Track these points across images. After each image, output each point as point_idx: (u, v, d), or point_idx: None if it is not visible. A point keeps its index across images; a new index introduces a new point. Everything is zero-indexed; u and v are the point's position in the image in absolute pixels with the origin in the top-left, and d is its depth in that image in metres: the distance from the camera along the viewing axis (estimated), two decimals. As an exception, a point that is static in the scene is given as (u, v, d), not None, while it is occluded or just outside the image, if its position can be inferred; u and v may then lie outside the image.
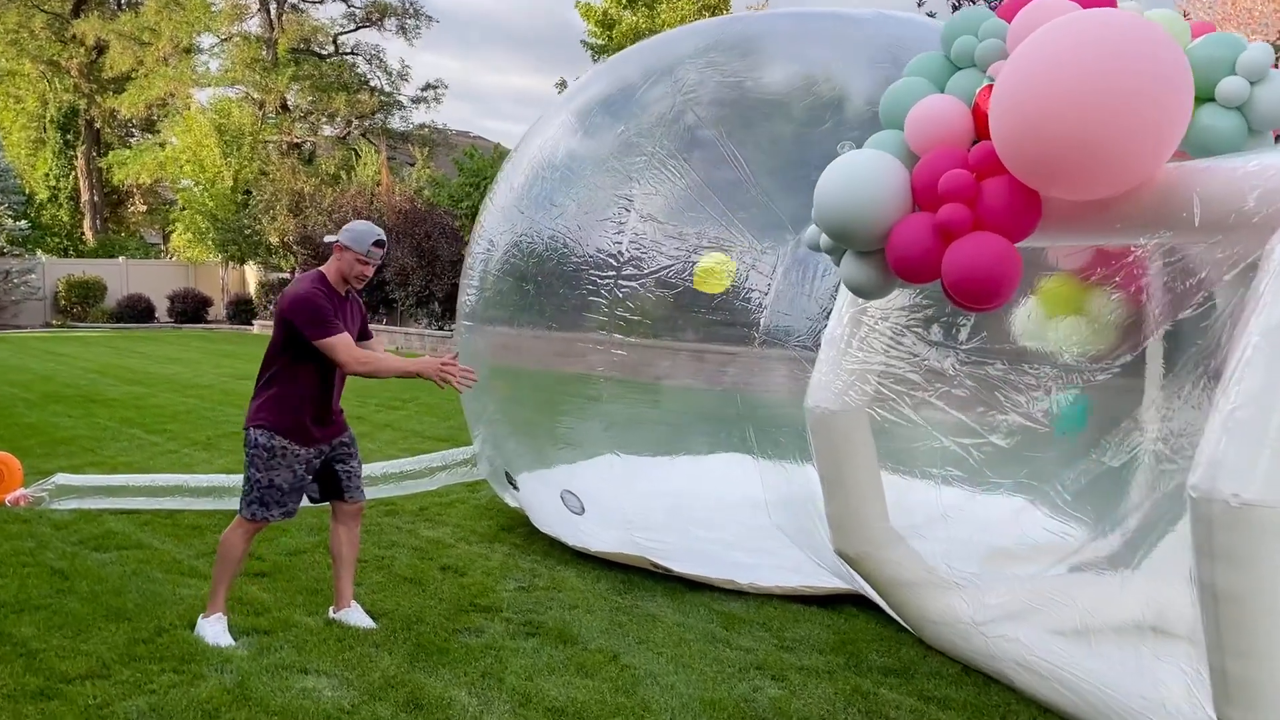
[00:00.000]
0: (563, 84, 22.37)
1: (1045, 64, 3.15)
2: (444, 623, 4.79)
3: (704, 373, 5.96)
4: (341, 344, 4.30)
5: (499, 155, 22.12)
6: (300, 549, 5.95)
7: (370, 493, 6.86)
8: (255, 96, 35.01)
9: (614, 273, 5.20)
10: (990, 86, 3.66)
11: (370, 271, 4.45)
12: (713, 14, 21.83)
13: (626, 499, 6.14)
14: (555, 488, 5.96)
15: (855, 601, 5.18)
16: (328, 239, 4.47)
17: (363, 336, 4.65)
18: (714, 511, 6.53)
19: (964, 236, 3.43)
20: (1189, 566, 2.83)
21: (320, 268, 4.51)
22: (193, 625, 4.57)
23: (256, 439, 4.39)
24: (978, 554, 4.17)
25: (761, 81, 5.52)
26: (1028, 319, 4.56)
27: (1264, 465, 2.56)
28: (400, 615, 4.87)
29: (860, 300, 4.21)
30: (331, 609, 4.79)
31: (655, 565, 5.47)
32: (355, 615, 4.72)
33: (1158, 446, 3.38)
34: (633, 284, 5.18)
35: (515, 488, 6.12)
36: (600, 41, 21.84)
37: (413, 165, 32.53)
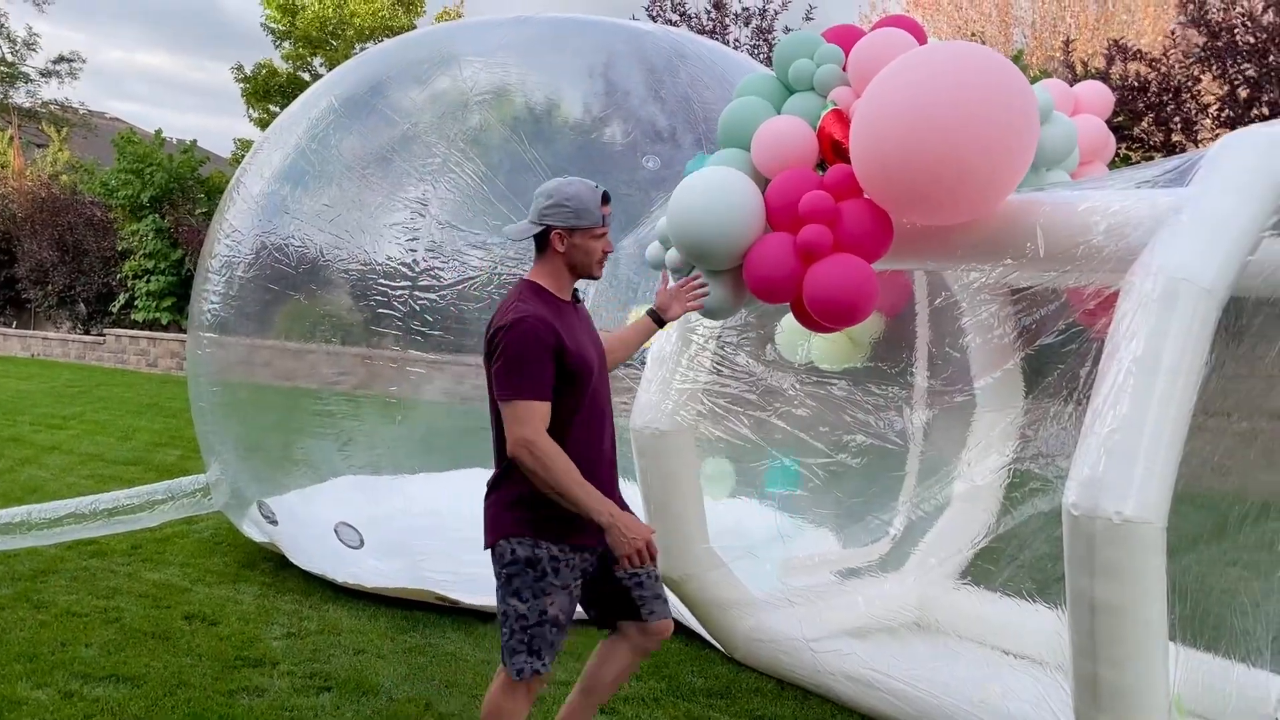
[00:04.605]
0: (239, 68, 20.62)
1: (913, 92, 3.22)
2: (212, 684, 4.13)
3: (451, 388, 5.63)
4: (529, 416, 2.74)
5: (160, 142, 19.91)
6: (-5, 606, 4.92)
7: (70, 533, 5.87)
8: None
9: (408, 284, 4.75)
10: (837, 111, 3.72)
11: (611, 245, 3.05)
12: (406, 10, 21.06)
13: (387, 525, 5.69)
14: (317, 519, 5.38)
15: (653, 622, 5.10)
16: (515, 233, 2.98)
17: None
18: (473, 530, 6.20)
19: (825, 258, 3.44)
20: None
21: (529, 276, 2.99)
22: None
23: (514, 553, 2.86)
24: (812, 571, 4.24)
25: (547, 87, 5.30)
26: (781, 331, 4.73)
27: (1139, 484, 2.75)
28: (155, 679, 4.13)
29: (691, 318, 4.13)
30: None
31: (441, 598, 5.07)
32: None
33: (1025, 466, 3.60)
34: (431, 296, 4.77)
35: (271, 521, 5.44)
36: (283, 27, 20.36)
37: (43, 147, 28.66)
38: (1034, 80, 5.98)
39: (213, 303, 5.31)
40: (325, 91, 5.51)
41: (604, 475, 2.97)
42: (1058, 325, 3.26)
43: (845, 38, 3.94)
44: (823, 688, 4.18)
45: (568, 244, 2.92)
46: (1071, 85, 4.89)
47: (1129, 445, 2.77)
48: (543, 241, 2.95)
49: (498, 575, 2.93)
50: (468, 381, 6.13)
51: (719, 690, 4.32)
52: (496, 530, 2.92)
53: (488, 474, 7.17)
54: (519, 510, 2.87)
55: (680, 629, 4.98)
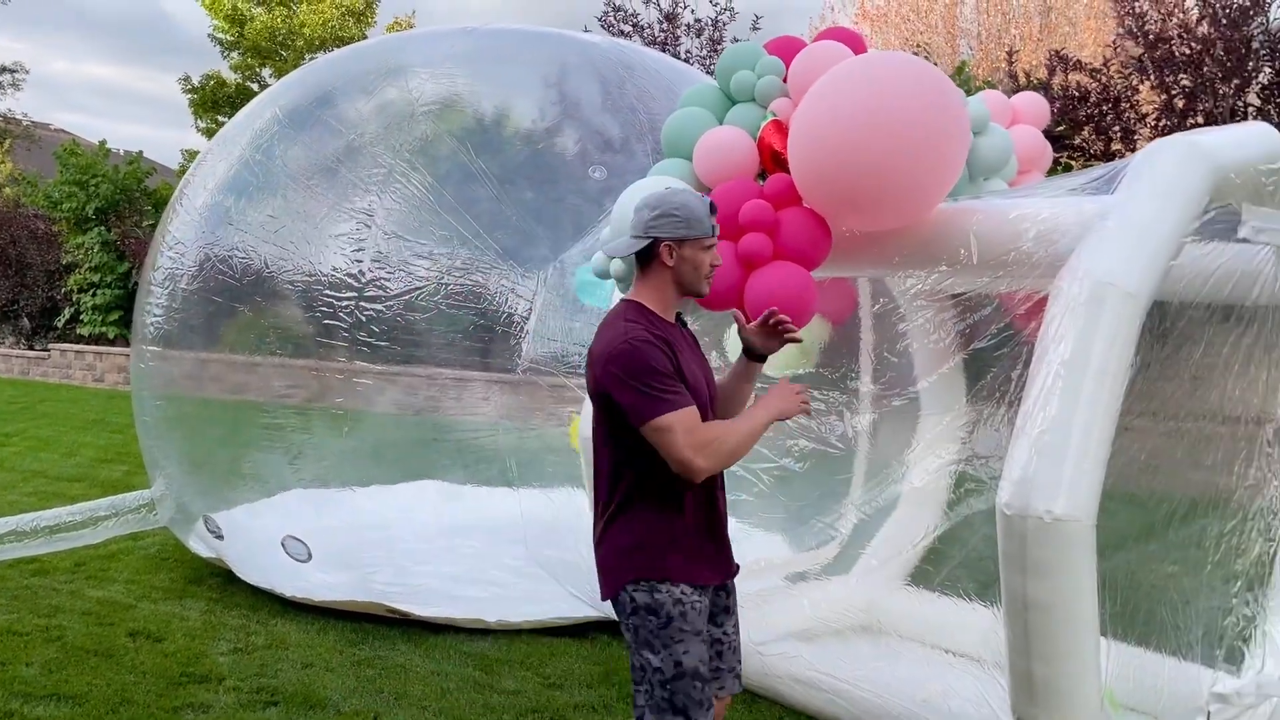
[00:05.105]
0: (186, 79, 20.38)
1: (849, 101, 3.30)
2: (156, 701, 4.08)
3: (432, 400, 5.63)
4: (681, 424, 2.49)
5: (104, 153, 19.57)
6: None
7: (11, 551, 5.77)
8: None
9: (355, 294, 4.74)
10: (777, 122, 3.78)
11: (719, 258, 2.79)
12: (356, 20, 20.97)
13: (336, 538, 5.66)
14: (264, 533, 5.33)
15: (604, 629, 5.11)
16: (617, 250, 2.77)
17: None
18: (425, 543, 6.21)
19: (766, 265, 3.50)
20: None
21: (630, 295, 2.74)
22: None
23: (634, 601, 2.60)
24: (760, 575, 4.28)
25: (494, 98, 5.33)
26: (730, 338, 4.79)
27: (1068, 483, 2.83)
28: (97, 697, 4.08)
29: (637, 326, 4.17)
30: None
31: (393, 611, 5.05)
32: None
33: (962, 468, 3.67)
34: (377, 306, 4.76)
35: (217, 536, 5.39)
36: (231, 37, 20.16)
37: (-15, 159, 28.17)
38: (975, 91, 6.10)
39: (156, 316, 5.25)
40: (270, 102, 5.48)
41: (720, 507, 2.78)
42: (990, 330, 3.34)
43: (786, 50, 4.01)
44: (770, 690, 4.22)
45: (677, 256, 2.66)
46: (1012, 96, 5.00)
47: (1058, 445, 2.85)
48: (646, 257, 2.69)
49: (625, 629, 2.66)
50: (421, 393, 6.11)
51: (669, 696, 4.35)
52: (613, 580, 2.66)
53: (440, 486, 7.14)
54: (634, 555, 2.62)
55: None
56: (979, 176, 4.43)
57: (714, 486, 2.74)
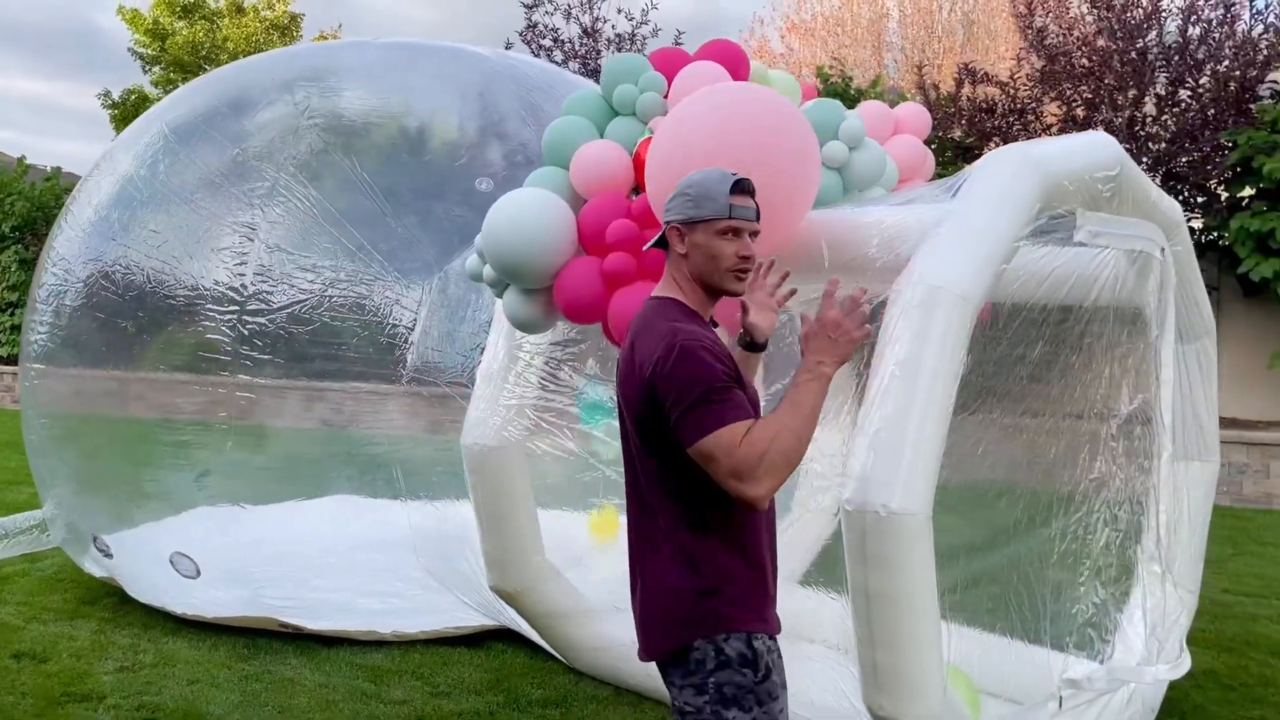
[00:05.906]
0: (106, 94, 20.03)
1: (701, 131, 3.37)
2: (33, 721, 4.04)
3: (320, 413, 5.63)
4: (721, 448, 2.09)
5: (22, 170, 19.16)
6: None
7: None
8: None
9: (237, 308, 4.74)
10: (650, 140, 3.86)
11: (754, 245, 2.34)
12: (281, 34, 20.79)
13: (232, 554, 5.62)
14: (155, 550, 5.28)
15: (501, 637, 5.15)
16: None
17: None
18: (329, 557, 6.19)
19: (630, 285, 3.57)
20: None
21: (660, 292, 2.38)
22: None
23: (722, 654, 2.18)
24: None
25: (383, 111, 5.38)
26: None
27: (903, 478, 2.95)
28: (-29, 721, 4.03)
29: (517, 335, 4.23)
30: None
31: (284, 625, 5.04)
32: None
33: (811, 466, 3.77)
34: (261, 320, 4.77)
35: (107, 554, 5.33)
36: (152, 52, 19.87)
37: (-101, 176, 27.35)
38: (856, 104, 6.26)
39: (40, 333, 5.20)
40: (156, 118, 5.47)
41: (770, 520, 2.38)
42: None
43: (670, 64, 4.05)
44: (657, 692, 4.29)
45: (688, 243, 2.29)
46: (929, 108, 5.15)
47: (894, 442, 2.96)
48: (665, 245, 2.37)
49: (699, 689, 2.17)
50: (312, 406, 6.11)
51: (555, 700, 4.41)
52: (681, 632, 2.20)
53: (344, 499, 7.11)
54: (711, 600, 2.19)
55: (519, 641, 5.05)
56: (854, 189, 4.56)
57: (774, 516, 2.39)
